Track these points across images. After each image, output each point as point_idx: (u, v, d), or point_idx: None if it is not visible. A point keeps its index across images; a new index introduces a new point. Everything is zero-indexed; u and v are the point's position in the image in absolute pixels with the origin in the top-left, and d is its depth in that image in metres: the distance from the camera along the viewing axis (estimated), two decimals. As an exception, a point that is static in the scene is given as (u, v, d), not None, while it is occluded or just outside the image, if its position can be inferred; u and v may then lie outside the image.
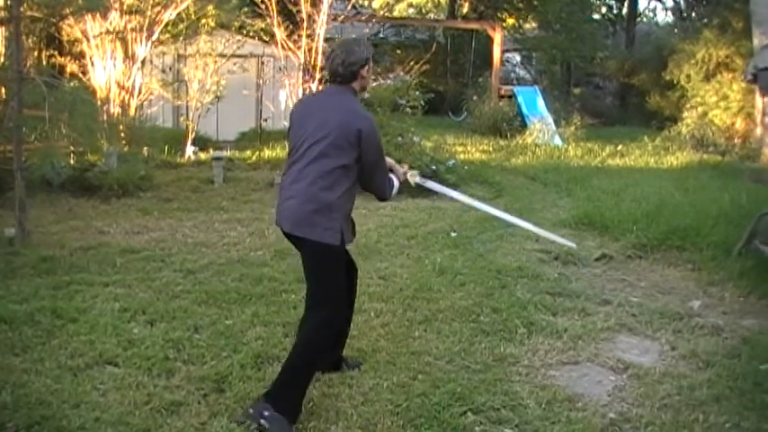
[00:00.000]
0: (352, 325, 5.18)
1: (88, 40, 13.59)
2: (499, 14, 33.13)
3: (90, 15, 12.52)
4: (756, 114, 20.18)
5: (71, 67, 14.52)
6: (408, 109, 14.38)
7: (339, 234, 4.29)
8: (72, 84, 12.79)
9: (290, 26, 17.17)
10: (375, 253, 8.17)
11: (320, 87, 16.88)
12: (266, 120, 18.03)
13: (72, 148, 10.67)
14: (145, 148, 13.19)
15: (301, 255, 4.47)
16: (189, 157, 14.70)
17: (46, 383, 4.50)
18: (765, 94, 17.03)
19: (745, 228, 8.28)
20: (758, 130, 20.05)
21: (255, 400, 4.30)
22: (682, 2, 37.59)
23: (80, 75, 14.24)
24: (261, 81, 18.36)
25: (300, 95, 16.93)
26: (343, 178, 4.31)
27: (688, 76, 23.22)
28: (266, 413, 4.14)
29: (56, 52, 15.31)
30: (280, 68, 17.60)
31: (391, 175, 4.74)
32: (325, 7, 16.84)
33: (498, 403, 4.50)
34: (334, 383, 4.67)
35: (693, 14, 33.67)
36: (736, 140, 20.68)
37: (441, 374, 4.88)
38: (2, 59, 11.23)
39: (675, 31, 31.59)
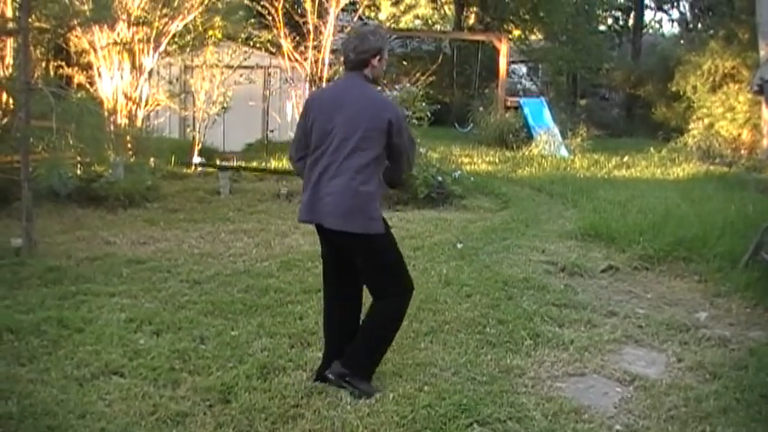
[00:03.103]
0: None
1: (95, 51, 13.65)
2: (505, 26, 33.22)
3: (97, 26, 12.57)
4: (763, 125, 20.19)
5: (78, 77, 14.59)
6: (414, 120, 14.37)
7: (381, 221, 4.56)
8: (79, 94, 12.82)
9: (297, 37, 17.27)
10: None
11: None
12: (273, 131, 18.09)
13: (79, 158, 10.70)
14: (151, 159, 13.23)
15: (345, 250, 4.73)
16: (195, 167, 14.72)
17: (52, 393, 4.50)
18: (772, 106, 17.01)
19: (752, 239, 8.26)
20: (765, 142, 20.05)
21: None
22: (688, 13, 37.67)
23: (87, 85, 14.31)
24: (267, 92, 18.44)
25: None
26: (377, 169, 4.55)
27: (694, 88, 23.25)
28: (348, 378, 4.67)
29: (63, 63, 15.38)
30: (286, 80, 17.69)
31: None
32: (331, 18, 16.93)
33: (504, 415, 4.48)
34: (340, 394, 4.67)
35: (699, 26, 33.74)
36: (742, 151, 20.68)
37: (446, 386, 4.87)
38: (10, 70, 11.30)
39: (681, 42, 31.65)
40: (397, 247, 4.83)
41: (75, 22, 10.49)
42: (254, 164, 15.48)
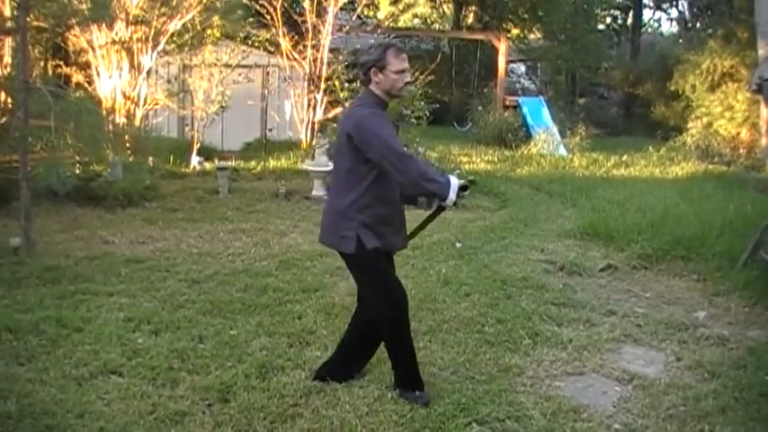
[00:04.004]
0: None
1: (94, 50, 13.64)
2: (504, 25, 33.20)
3: (96, 26, 12.57)
4: (761, 124, 20.18)
5: (77, 77, 14.58)
6: (413, 119, 14.38)
7: (354, 242, 4.44)
8: (77, 94, 12.83)
9: (295, 36, 17.26)
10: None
11: (325, 98, 17.03)
12: (271, 130, 18.07)
13: (77, 157, 10.68)
14: (150, 158, 13.21)
15: None
16: (194, 167, 14.72)
17: (50, 393, 4.50)
18: (770, 104, 17.02)
19: (751, 238, 8.27)
20: (763, 141, 20.05)
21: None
22: (686, 12, 37.65)
23: (86, 85, 14.30)
24: (266, 91, 18.41)
25: (305, 105, 17.04)
26: (352, 183, 4.44)
27: (693, 87, 23.23)
28: (400, 394, 4.69)
29: (62, 62, 15.37)
30: (285, 79, 17.67)
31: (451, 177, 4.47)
32: (330, 18, 16.95)
33: (503, 414, 4.49)
34: (339, 394, 4.67)
35: (698, 25, 33.72)
36: (741, 150, 20.68)
37: (445, 385, 4.88)
38: (9, 69, 11.28)
39: (680, 41, 31.63)
40: (379, 268, 4.58)
41: (74, 22, 10.49)
42: (253, 163, 15.47)
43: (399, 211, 4.67)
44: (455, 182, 4.37)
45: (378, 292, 4.61)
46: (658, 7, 41.39)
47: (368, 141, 4.32)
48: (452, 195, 4.35)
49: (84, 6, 10.56)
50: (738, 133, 21.19)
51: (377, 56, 4.46)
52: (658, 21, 49.48)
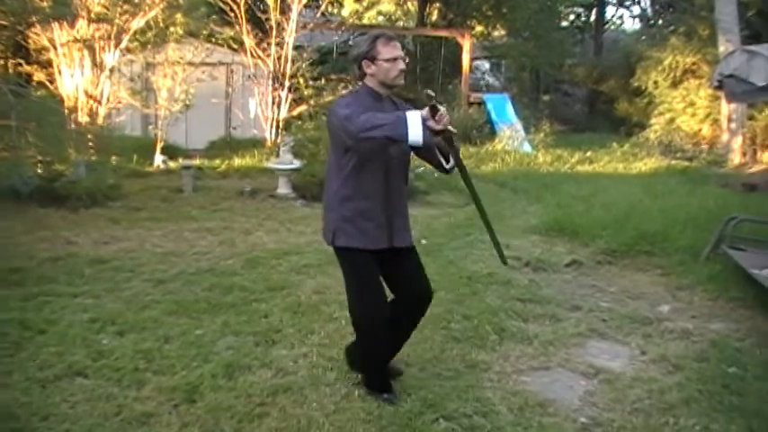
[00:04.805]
0: (322, 333, 5.57)
1: (55, 48, 13.48)
2: (468, 22, 33.27)
3: (57, 23, 12.43)
4: (722, 120, 20.47)
5: (38, 75, 14.40)
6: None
7: (330, 234, 4.47)
8: (39, 93, 12.68)
9: (260, 34, 17.20)
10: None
11: (289, 95, 16.97)
12: (235, 128, 17.99)
13: (40, 157, 10.54)
14: (113, 158, 13.09)
15: None
16: (158, 165, 14.61)
17: (14, 396, 4.45)
18: (731, 101, 17.19)
19: (713, 232, 8.36)
20: (724, 136, 20.33)
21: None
22: (649, 9, 38.03)
23: (47, 83, 14.13)
24: (230, 89, 18.33)
25: (270, 103, 16.98)
26: (335, 174, 4.45)
27: (655, 83, 23.46)
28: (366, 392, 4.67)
29: (23, 60, 15.16)
30: (249, 76, 17.60)
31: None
32: (294, 15, 16.89)
33: (470, 410, 4.50)
34: (306, 392, 4.66)
35: (660, 22, 34.03)
36: (703, 146, 20.96)
37: (413, 382, 4.88)
38: (-33, 68, 11.13)
39: (643, 38, 31.89)
40: (357, 267, 4.51)
41: (35, 19, 10.37)
42: (217, 161, 15.40)
43: (385, 205, 4.51)
44: (413, 114, 3.99)
45: (354, 291, 4.56)
46: (621, 4, 41.78)
47: (334, 124, 4.30)
48: (415, 129, 3.95)
49: (45, 4, 10.46)
50: (700, 129, 21.47)
51: (366, 47, 4.40)
52: (621, 18, 49.94)
